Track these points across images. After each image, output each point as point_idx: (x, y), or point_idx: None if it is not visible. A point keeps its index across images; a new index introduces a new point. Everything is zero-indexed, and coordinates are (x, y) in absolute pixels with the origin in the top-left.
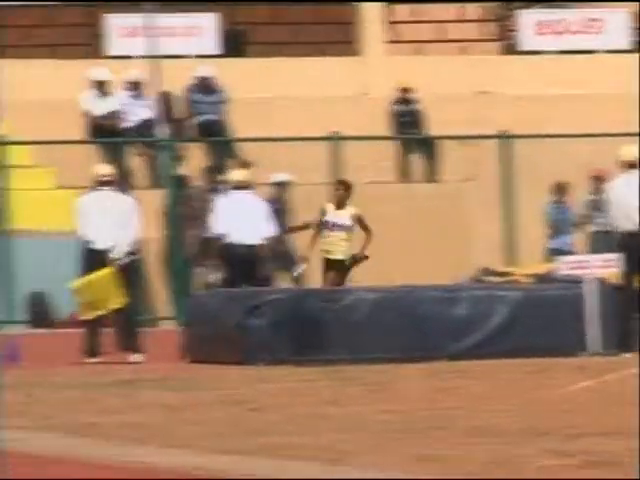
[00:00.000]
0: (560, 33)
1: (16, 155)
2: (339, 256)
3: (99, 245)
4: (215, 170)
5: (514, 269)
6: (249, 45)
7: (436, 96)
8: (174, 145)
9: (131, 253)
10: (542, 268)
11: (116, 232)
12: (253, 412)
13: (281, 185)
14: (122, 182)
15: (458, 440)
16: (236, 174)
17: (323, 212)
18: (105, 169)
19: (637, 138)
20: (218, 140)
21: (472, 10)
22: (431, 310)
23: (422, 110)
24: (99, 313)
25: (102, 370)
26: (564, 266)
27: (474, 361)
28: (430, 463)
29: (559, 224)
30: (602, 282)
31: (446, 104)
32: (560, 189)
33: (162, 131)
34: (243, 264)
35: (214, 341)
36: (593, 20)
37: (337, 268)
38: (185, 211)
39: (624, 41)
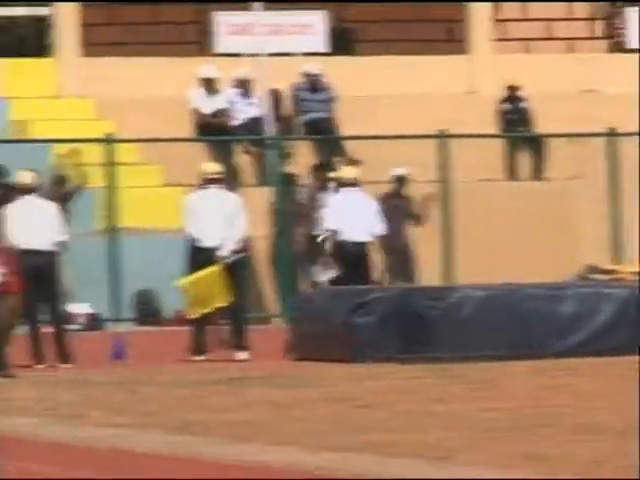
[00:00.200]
0: None
1: (124, 153)
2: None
3: (206, 243)
4: (323, 168)
5: (620, 267)
6: (358, 43)
7: (543, 94)
8: (282, 143)
9: (238, 251)
10: None
11: (223, 230)
12: (359, 409)
13: (400, 179)
14: (230, 180)
15: (564, 438)
16: (346, 172)
17: None
18: (212, 167)
19: None
20: (326, 138)
21: (580, 8)
22: (537, 308)
23: (529, 108)
24: (206, 311)
25: (208, 368)
26: None
27: (580, 359)
28: (535, 461)
29: None
30: None
31: (553, 102)
32: None
33: (270, 129)
34: (353, 261)
35: (321, 339)
36: None
37: None
38: (292, 209)
39: None
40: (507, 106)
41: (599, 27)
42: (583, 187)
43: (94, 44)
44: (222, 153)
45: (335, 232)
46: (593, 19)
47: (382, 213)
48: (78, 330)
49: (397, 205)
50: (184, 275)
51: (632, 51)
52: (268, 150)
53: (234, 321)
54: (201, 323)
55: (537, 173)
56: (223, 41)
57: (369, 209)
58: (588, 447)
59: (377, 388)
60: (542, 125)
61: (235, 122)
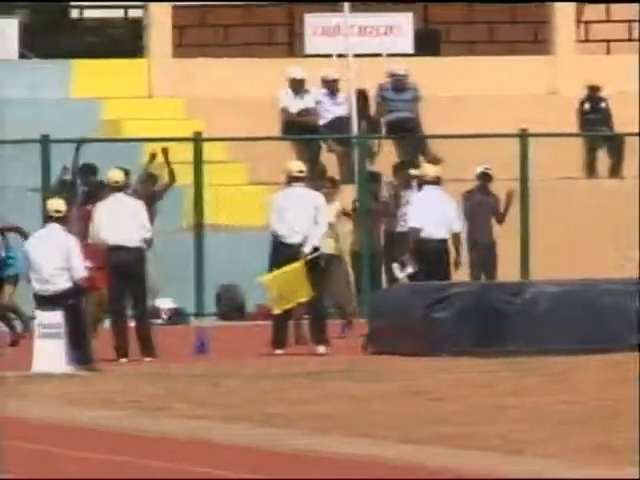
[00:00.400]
0: None
1: (212, 151)
2: (327, 251)
3: (290, 240)
4: (406, 166)
5: None
6: (443, 44)
7: (623, 94)
8: (367, 142)
9: (320, 248)
10: None
11: (307, 227)
12: (435, 402)
13: (484, 176)
14: (315, 178)
15: (635, 430)
16: (428, 170)
17: None
18: (298, 166)
19: None
20: (409, 137)
21: None
22: (611, 303)
23: (609, 108)
24: (289, 307)
25: (288, 361)
26: None
27: None
28: (606, 453)
29: None
30: None
31: (633, 102)
32: None
33: (355, 128)
34: (432, 258)
35: (399, 333)
36: None
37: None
38: (376, 206)
39: None
40: (588, 106)
41: None
42: None
43: (185, 45)
44: (308, 152)
45: (418, 230)
46: None
47: (467, 210)
48: (162, 324)
49: (481, 202)
50: (268, 271)
51: None
52: (353, 149)
53: (314, 316)
54: (282, 318)
55: (615, 172)
56: (312, 42)
57: (449, 207)
58: None
59: (453, 381)
60: (621, 125)
61: (322, 121)
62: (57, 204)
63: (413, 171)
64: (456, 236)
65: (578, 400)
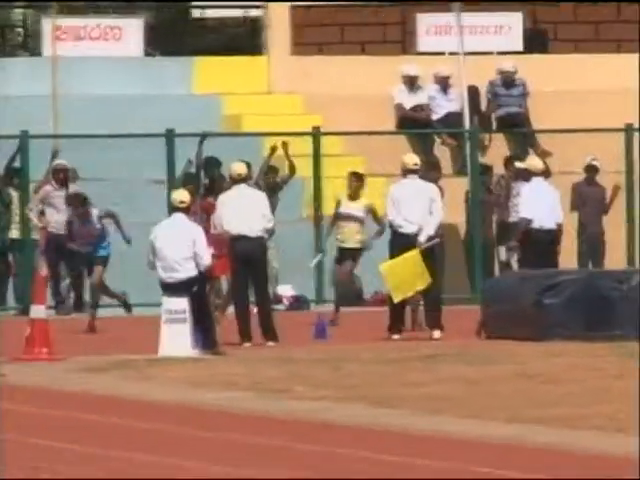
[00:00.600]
0: None
1: (329, 145)
2: (352, 245)
3: (406, 229)
4: (516, 159)
5: None
6: (551, 42)
7: None
8: (478, 136)
9: (435, 237)
10: None
11: (422, 217)
12: (546, 385)
13: (592, 168)
14: (429, 171)
15: None
16: (535, 163)
17: (338, 203)
18: (412, 159)
19: None
20: (519, 131)
21: None
22: None
23: None
24: (408, 295)
25: (404, 346)
26: None
27: None
28: None
29: None
30: None
31: None
32: None
33: (467, 123)
34: (544, 247)
35: (510, 318)
36: None
37: (350, 256)
38: (487, 197)
39: None
40: None
41: None
42: None
43: (303, 44)
44: (422, 146)
45: (529, 220)
46: None
47: (575, 201)
48: (284, 310)
49: (589, 193)
50: (386, 260)
51: None
52: (465, 142)
53: (430, 302)
54: (399, 304)
55: None
56: (425, 41)
57: (555, 198)
58: None
59: (563, 365)
60: None
61: (435, 116)
62: (182, 195)
63: (518, 164)
64: (559, 226)
65: None
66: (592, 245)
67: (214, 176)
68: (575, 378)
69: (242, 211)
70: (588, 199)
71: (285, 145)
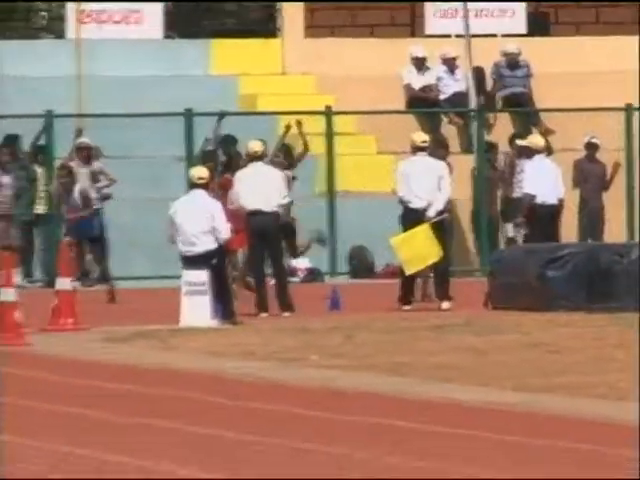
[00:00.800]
0: None
1: (341, 124)
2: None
3: (416, 205)
4: (519, 137)
5: None
6: (553, 25)
7: None
8: (484, 115)
9: (443, 211)
10: None
11: (431, 193)
12: (550, 354)
13: (592, 146)
14: (437, 148)
15: None
16: (537, 140)
17: None
18: (421, 136)
19: None
20: (523, 110)
21: None
22: None
23: None
24: (420, 268)
25: (414, 316)
26: None
27: None
28: None
29: None
30: None
31: None
32: None
33: (473, 102)
34: (547, 222)
35: (516, 290)
36: None
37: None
38: (493, 174)
39: None
40: None
41: None
42: None
43: (316, 26)
44: (430, 124)
45: (533, 196)
46: None
47: (577, 177)
48: (299, 282)
49: (590, 169)
50: (396, 234)
51: None
52: (471, 121)
53: (440, 274)
54: (410, 276)
55: None
56: (432, 24)
57: (557, 174)
58: None
59: (566, 335)
60: None
61: (442, 96)
62: (200, 172)
63: (520, 141)
64: (561, 201)
65: None
66: (592, 220)
67: (231, 153)
68: (578, 347)
69: (258, 187)
70: (589, 175)
71: (299, 124)
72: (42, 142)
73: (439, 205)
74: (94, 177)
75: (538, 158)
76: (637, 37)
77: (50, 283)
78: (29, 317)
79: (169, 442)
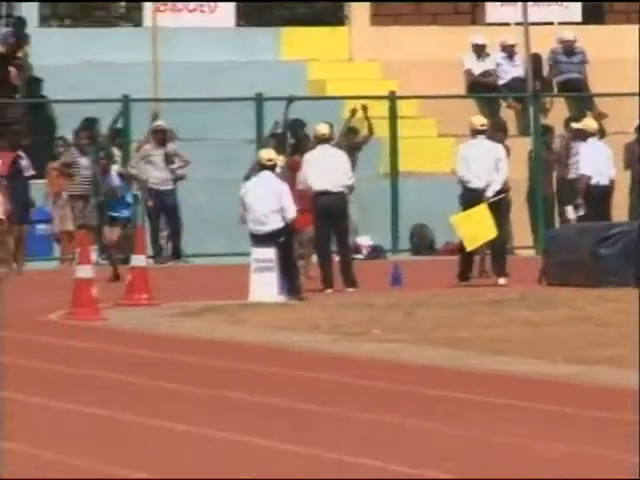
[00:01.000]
0: None
1: (404, 108)
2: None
3: (474, 184)
4: (574, 121)
5: None
6: (607, 14)
7: None
8: (540, 99)
9: (501, 192)
10: None
11: (489, 174)
12: (600, 328)
13: None
14: (496, 131)
15: None
16: (591, 124)
17: None
18: (481, 120)
19: None
20: (578, 95)
21: None
22: None
23: None
24: (478, 244)
25: (472, 292)
26: None
27: None
28: None
29: None
30: None
31: None
32: None
33: (531, 87)
34: (599, 202)
35: (569, 267)
36: None
37: None
38: (549, 156)
39: None
40: None
41: None
42: None
43: (382, 15)
44: (489, 108)
45: (589, 177)
46: None
47: (628, 158)
48: (362, 259)
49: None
50: (456, 212)
51: None
52: (529, 105)
53: (496, 251)
54: (468, 254)
55: None
56: (492, 12)
57: (609, 156)
58: None
59: (616, 309)
60: None
61: (501, 81)
62: (269, 154)
63: (575, 124)
64: (612, 182)
65: None
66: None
67: (299, 136)
68: (626, 322)
69: (325, 169)
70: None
71: (364, 108)
72: (119, 125)
73: (497, 186)
74: (169, 159)
75: (592, 141)
76: None
77: (125, 260)
78: (105, 292)
79: (235, 408)
